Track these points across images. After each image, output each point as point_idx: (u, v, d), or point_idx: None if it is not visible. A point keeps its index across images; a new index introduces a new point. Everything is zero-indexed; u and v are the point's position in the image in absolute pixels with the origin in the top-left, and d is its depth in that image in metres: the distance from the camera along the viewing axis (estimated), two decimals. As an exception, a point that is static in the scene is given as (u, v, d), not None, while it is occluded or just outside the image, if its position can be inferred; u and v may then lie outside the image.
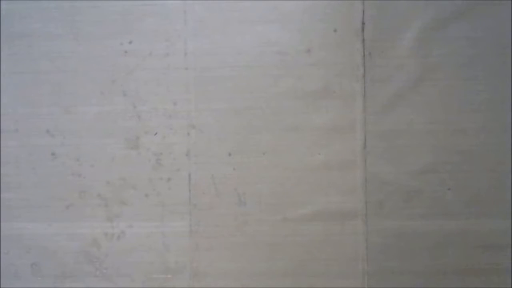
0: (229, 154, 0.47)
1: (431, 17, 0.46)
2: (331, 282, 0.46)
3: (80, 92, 0.47)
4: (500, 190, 0.47)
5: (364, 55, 0.47)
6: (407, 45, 0.46)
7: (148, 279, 0.48)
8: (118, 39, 0.47)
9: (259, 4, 0.47)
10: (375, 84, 0.47)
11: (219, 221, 0.48)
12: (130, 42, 0.47)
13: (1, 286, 0.47)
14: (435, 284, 0.47)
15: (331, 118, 0.47)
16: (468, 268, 0.47)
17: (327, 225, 0.47)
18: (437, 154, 0.47)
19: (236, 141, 0.47)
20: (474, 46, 0.47)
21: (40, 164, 0.48)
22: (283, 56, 0.47)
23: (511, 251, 0.47)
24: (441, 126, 0.47)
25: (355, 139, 0.47)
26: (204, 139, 0.47)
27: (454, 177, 0.47)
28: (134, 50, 0.47)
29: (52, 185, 0.47)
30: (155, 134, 0.47)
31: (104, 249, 0.48)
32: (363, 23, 0.47)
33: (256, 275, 0.47)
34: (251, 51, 0.46)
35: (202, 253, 0.48)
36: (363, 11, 0.47)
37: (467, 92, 0.47)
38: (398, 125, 0.47)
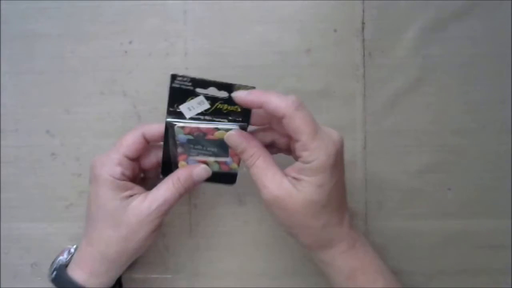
0: (229, 154, 0.47)
1: (431, 17, 0.46)
2: (331, 282, 0.46)
3: (80, 92, 0.47)
4: (500, 190, 0.47)
5: (364, 55, 0.47)
6: (407, 45, 0.46)
7: (148, 279, 0.48)
8: (118, 39, 0.47)
9: (259, 5, 0.46)
10: (375, 84, 0.47)
11: (219, 221, 0.48)
12: (130, 42, 0.47)
13: (1, 286, 0.47)
14: (435, 284, 0.47)
15: (331, 118, 0.47)
16: (468, 268, 0.47)
17: (327, 225, 0.47)
18: (437, 154, 0.47)
19: (236, 141, 0.47)
20: (474, 46, 0.46)
21: (40, 164, 0.48)
22: (283, 56, 0.46)
23: (511, 251, 0.47)
24: (441, 126, 0.47)
25: (355, 139, 0.47)
26: (204, 139, 0.47)
27: (454, 177, 0.47)
28: (134, 50, 0.47)
29: (52, 185, 0.47)
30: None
31: (104, 249, 0.48)
32: (363, 23, 0.47)
33: (256, 275, 0.47)
34: (251, 51, 0.46)
35: (202, 253, 0.48)
36: (363, 11, 0.47)
37: (467, 92, 0.47)
38: (398, 125, 0.47)
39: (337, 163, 0.35)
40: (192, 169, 0.38)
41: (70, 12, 0.47)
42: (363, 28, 0.47)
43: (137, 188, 0.38)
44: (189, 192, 0.40)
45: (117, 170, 0.36)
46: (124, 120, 0.47)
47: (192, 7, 0.47)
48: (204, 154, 0.40)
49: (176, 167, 0.41)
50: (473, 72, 0.47)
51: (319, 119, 0.47)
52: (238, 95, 0.37)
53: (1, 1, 0.48)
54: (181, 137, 0.39)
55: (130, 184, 0.37)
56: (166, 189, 0.37)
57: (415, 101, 0.47)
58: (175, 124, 0.39)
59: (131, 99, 0.47)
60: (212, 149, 0.40)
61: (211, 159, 0.40)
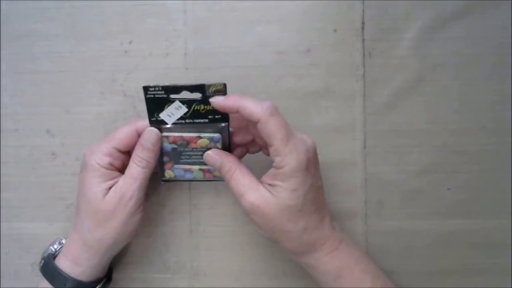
0: (229, 154, 0.47)
1: (431, 17, 0.46)
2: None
3: (80, 92, 0.47)
4: (500, 190, 0.47)
5: (364, 55, 0.47)
6: (407, 45, 0.46)
7: (148, 279, 0.48)
8: (118, 39, 0.47)
9: (259, 4, 0.46)
10: (375, 84, 0.47)
11: (219, 221, 0.48)
12: (130, 42, 0.47)
13: (1, 286, 0.47)
14: (434, 284, 0.47)
15: (331, 118, 0.47)
16: (468, 268, 0.47)
17: (327, 225, 0.47)
18: (437, 154, 0.47)
19: (236, 141, 0.47)
20: (474, 46, 0.46)
21: (40, 164, 0.48)
22: (283, 56, 0.46)
23: (511, 251, 0.47)
24: (441, 126, 0.47)
25: (355, 139, 0.47)
26: (204, 139, 0.47)
27: (454, 177, 0.47)
28: (134, 50, 0.47)
29: (52, 185, 0.47)
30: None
31: (104, 249, 0.48)
32: (363, 23, 0.47)
33: (256, 275, 0.47)
34: (251, 51, 0.46)
35: (202, 253, 0.48)
36: (363, 11, 0.47)
37: (467, 92, 0.47)
38: (398, 125, 0.47)
39: (310, 168, 0.36)
40: (141, 139, 0.38)
41: (70, 12, 0.47)
42: (363, 28, 0.47)
43: None
44: (154, 161, 0.39)
45: (105, 160, 0.38)
46: (124, 120, 0.47)
47: (192, 7, 0.47)
48: (189, 163, 0.41)
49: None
50: (473, 72, 0.47)
51: (319, 119, 0.47)
52: (215, 101, 0.37)
53: (1, 1, 0.48)
54: (166, 146, 0.40)
55: (116, 174, 0.38)
56: (129, 169, 0.38)
57: (415, 101, 0.47)
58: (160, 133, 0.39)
59: (131, 99, 0.47)
60: (196, 157, 0.41)
61: (195, 167, 0.41)
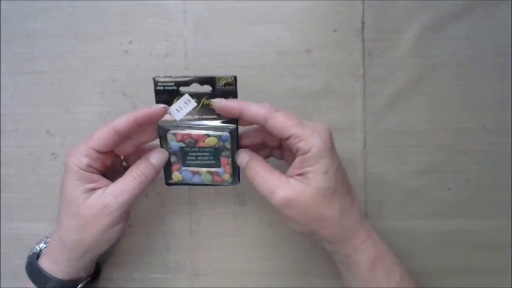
0: (229, 154, 0.47)
1: (431, 17, 0.46)
2: (331, 282, 0.46)
3: (80, 92, 0.47)
4: (500, 190, 0.47)
5: (364, 55, 0.47)
6: (407, 45, 0.46)
7: (148, 279, 0.48)
8: (118, 39, 0.47)
9: (259, 4, 0.46)
10: (375, 84, 0.47)
11: (219, 221, 0.48)
12: (130, 42, 0.47)
13: (1, 286, 0.47)
14: (434, 284, 0.47)
15: (331, 118, 0.47)
16: (468, 268, 0.47)
17: (327, 225, 0.47)
18: (437, 154, 0.47)
19: (236, 141, 0.47)
20: (474, 46, 0.46)
21: (40, 164, 0.48)
22: (283, 56, 0.46)
23: (511, 251, 0.47)
24: (441, 126, 0.47)
25: (355, 139, 0.47)
26: (204, 139, 0.47)
27: (454, 177, 0.47)
28: (134, 50, 0.47)
29: (52, 185, 0.47)
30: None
31: (104, 249, 0.48)
32: (363, 23, 0.47)
33: (256, 275, 0.47)
34: (251, 51, 0.46)
35: (202, 253, 0.48)
36: (363, 11, 0.47)
37: (467, 92, 0.47)
38: (398, 125, 0.47)
39: (333, 148, 0.36)
40: (149, 154, 0.38)
41: (70, 12, 0.47)
42: (363, 28, 0.47)
43: (102, 182, 0.37)
44: (151, 179, 0.38)
45: (83, 161, 0.36)
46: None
47: (192, 7, 0.47)
48: (197, 165, 0.40)
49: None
50: (473, 72, 0.47)
51: (319, 119, 0.47)
52: (217, 102, 0.37)
53: (1, 1, 0.48)
54: (173, 144, 0.39)
55: (96, 176, 0.37)
56: (124, 179, 0.37)
57: (415, 101, 0.47)
58: (168, 130, 0.38)
59: (131, 99, 0.47)
60: (204, 159, 0.40)
61: (203, 169, 0.40)
